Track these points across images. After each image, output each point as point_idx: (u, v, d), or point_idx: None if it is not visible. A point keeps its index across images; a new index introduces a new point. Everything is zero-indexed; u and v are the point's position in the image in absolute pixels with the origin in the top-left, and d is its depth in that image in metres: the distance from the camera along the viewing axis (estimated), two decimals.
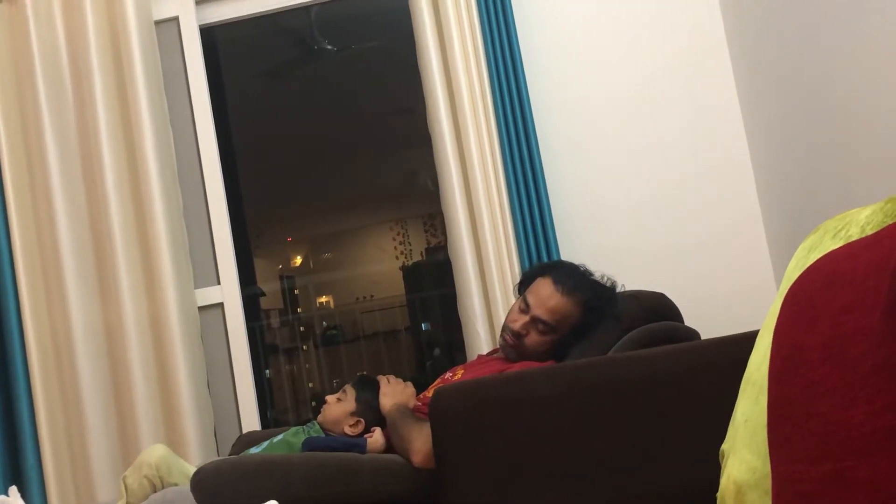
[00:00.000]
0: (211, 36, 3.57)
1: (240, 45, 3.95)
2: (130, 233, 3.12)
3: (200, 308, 3.23)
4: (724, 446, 1.47)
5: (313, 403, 4.76)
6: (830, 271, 1.10)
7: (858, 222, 1.38)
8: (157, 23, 3.34)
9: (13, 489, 1.49)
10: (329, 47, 4.20)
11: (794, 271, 1.45)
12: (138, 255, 3.13)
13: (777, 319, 1.20)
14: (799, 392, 1.03)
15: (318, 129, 4.67)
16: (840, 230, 1.41)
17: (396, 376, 2.46)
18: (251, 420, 3.21)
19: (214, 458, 2.95)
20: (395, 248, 5.15)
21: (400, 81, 4.10)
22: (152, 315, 3.09)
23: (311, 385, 4.95)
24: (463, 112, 3.03)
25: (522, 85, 3.03)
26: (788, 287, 1.42)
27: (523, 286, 2.48)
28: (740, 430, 1.38)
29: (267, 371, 3.99)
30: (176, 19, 3.41)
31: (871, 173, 2.24)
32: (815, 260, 1.39)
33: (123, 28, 3.17)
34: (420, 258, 4.92)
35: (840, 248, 1.20)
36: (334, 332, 5.13)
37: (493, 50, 3.05)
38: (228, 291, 3.30)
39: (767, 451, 1.21)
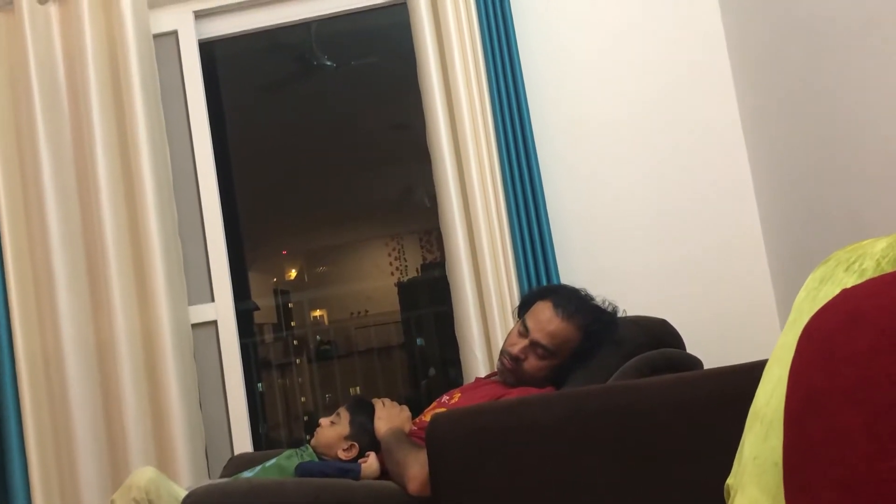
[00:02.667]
0: (210, 50, 3.53)
1: (239, 60, 3.91)
2: (124, 248, 3.07)
3: (194, 325, 3.18)
4: (729, 481, 1.42)
5: (306, 418, 4.71)
6: (851, 309, 1.04)
7: (873, 255, 1.33)
8: (156, 36, 3.30)
9: None
10: (328, 63, 4.16)
11: (804, 302, 1.41)
12: (132, 271, 3.07)
13: (794, 357, 1.14)
14: (820, 436, 0.97)
15: (316, 144, 4.64)
16: (853, 262, 1.36)
17: (391, 393, 2.42)
18: (243, 440, 3.15)
19: (205, 479, 2.90)
20: (391, 263, 5.11)
21: (397, 98, 4.07)
22: (145, 332, 3.04)
23: (303, 400, 4.89)
24: (463, 130, 2.99)
25: (523, 104, 2.99)
26: (799, 318, 1.37)
27: (523, 309, 2.43)
28: (748, 466, 1.32)
29: (259, 385, 3.93)
30: (175, 33, 3.37)
31: (875, 199, 2.20)
32: (827, 292, 1.35)
33: (122, 41, 3.13)
34: (416, 274, 4.88)
35: (860, 285, 1.14)
36: (328, 347, 5.08)
37: (495, 68, 3.01)
38: (222, 309, 3.24)
39: (779, 491, 1.16)
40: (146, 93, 3.13)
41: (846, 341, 1.00)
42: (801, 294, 1.44)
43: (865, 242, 1.39)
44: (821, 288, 1.39)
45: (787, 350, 1.34)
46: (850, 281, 1.31)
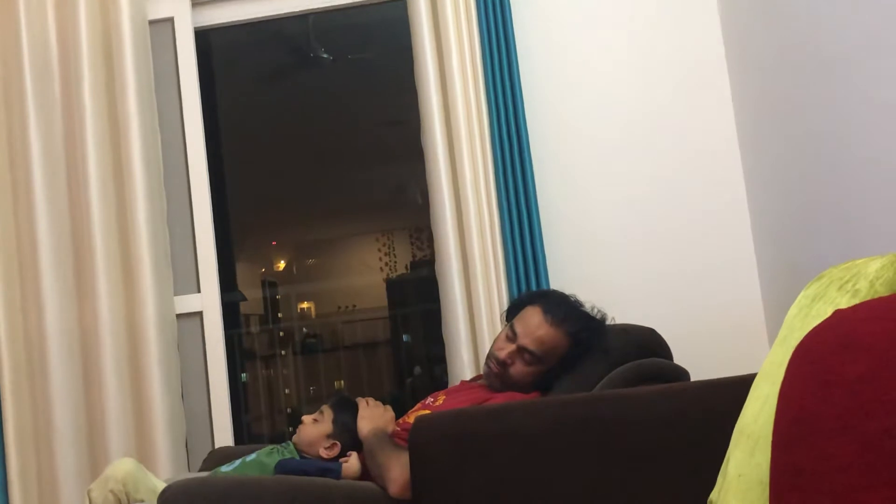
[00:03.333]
0: (206, 39, 3.49)
1: (234, 50, 3.88)
2: (111, 235, 3.03)
3: (179, 316, 3.15)
4: (712, 496, 1.41)
5: (288, 411, 4.69)
6: (845, 333, 1.03)
7: (867, 276, 1.31)
8: (152, 23, 3.26)
9: None
10: (325, 56, 4.13)
11: (796, 319, 1.39)
12: (118, 259, 3.03)
13: (784, 377, 1.12)
14: (809, 462, 0.95)
15: (309, 137, 4.62)
16: (847, 281, 1.34)
17: (375, 390, 2.40)
18: (225, 433, 3.13)
19: (185, 471, 2.88)
20: (380, 259, 5.09)
21: (393, 94, 4.04)
22: (129, 321, 3.00)
23: (287, 392, 4.87)
24: (458, 129, 2.96)
25: (520, 105, 2.97)
26: (790, 335, 1.35)
27: (511, 313, 2.40)
28: (733, 483, 1.31)
29: (243, 375, 3.91)
30: (171, 20, 3.33)
31: (869, 217, 2.19)
32: (819, 310, 1.33)
33: (116, 26, 3.09)
34: (405, 271, 4.86)
35: (854, 307, 1.12)
36: (314, 340, 5.06)
37: (492, 68, 2.99)
38: (208, 301, 3.21)
39: None
40: (139, 79, 3.09)
41: (839, 365, 0.99)
42: (793, 310, 1.42)
43: (860, 262, 1.37)
44: (813, 305, 1.37)
45: (776, 367, 1.32)
46: (843, 301, 1.29)
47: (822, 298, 1.36)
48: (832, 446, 0.92)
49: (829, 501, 0.89)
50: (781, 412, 1.08)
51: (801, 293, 1.44)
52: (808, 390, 1.01)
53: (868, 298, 1.21)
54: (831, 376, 0.98)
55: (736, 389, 1.46)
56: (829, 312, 1.27)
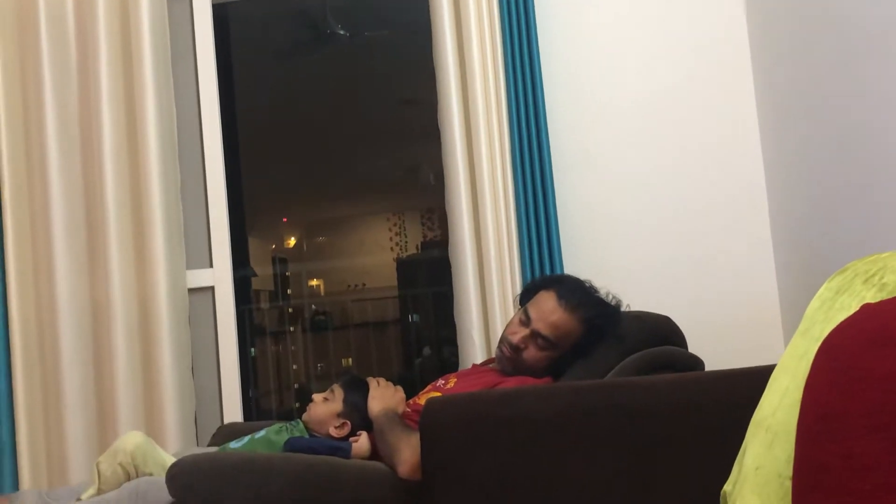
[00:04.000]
0: (223, 12, 3.46)
1: (252, 24, 3.85)
2: (125, 208, 3.02)
3: (190, 290, 3.13)
4: (726, 488, 1.39)
5: (296, 386, 4.69)
6: (877, 329, 1.00)
7: (895, 269, 1.28)
8: None
9: None
10: (341, 32, 4.10)
11: (818, 312, 1.36)
12: (131, 232, 3.02)
13: (810, 373, 1.10)
14: (835, 461, 0.93)
15: (324, 114, 4.60)
16: (873, 275, 1.31)
17: (384, 369, 2.38)
18: (234, 409, 3.12)
19: (194, 446, 2.87)
20: (391, 239, 5.08)
21: (409, 73, 4.01)
22: (140, 294, 2.99)
23: (295, 368, 4.88)
24: (475, 109, 2.92)
25: (539, 87, 2.92)
26: (811, 328, 1.33)
27: (525, 298, 2.38)
28: (750, 476, 1.28)
29: (252, 350, 3.91)
30: None
31: (889, 212, 2.15)
32: (843, 303, 1.30)
33: None
34: (416, 251, 4.85)
35: (885, 302, 1.10)
36: (323, 318, 5.06)
37: (512, 50, 2.94)
38: (220, 276, 3.20)
39: None
40: (156, 52, 3.07)
41: (868, 361, 0.96)
42: (815, 303, 1.39)
43: (886, 255, 1.34)
44: (836, 298, 1.34)
45: (796, 360, 1.30)
46: (870, 295, 1.26)
47: (847, 291, 1.33)
48: (860, 445, 0.90)
49: (855, 501, 0.87)
50: (807, 408, 1.05)
51: (824, 285, 1.41)
52: (835, 387, 0.98)
53: None
54: (860, 373, 0.96)
55: (752, 380, 1.44)
56: (854, 306, 1.24)
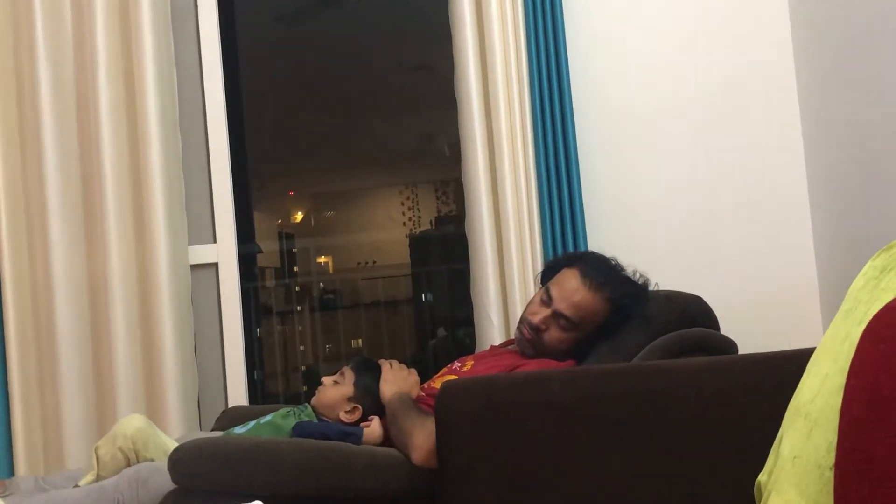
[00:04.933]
0: None
1: None
2: (123, 179, 3.01)
3: (193, 267, 3.13)
4: (761, 478, 1.38)
5: (303, 368, 4.70)
6: None
7: None
8: None
9: None
10: None
11: (862, 291, 1.34)
12: (130, 204, 3.01)
13: (855, 356, 1.08)
14: (883, 449, 0.91)
15: (333, 82, 4.58)
16: None
17: (396, 351, 2.37)
18: (239, 391, 3.12)
19: (197, 430, 2.87)
20: (404, 213, 5.06)
21: (422, 38, 3.98)
22: (140, 270, 2.99)
23: (302, 348, 4.89)
24: (494, 76, 2.89)
25: (562, 52, 2.88)
26: (855, 308, 1.31)
27: (547, 276, 2.37)
28: (787, 466, 1.27)
29: (258, 330, 3.92)
30: None
31: None
32: (890, 283, 1.28)
33: None
34: (429, 227, 4.84)
35: None
36: (331, 296, 5.07)
37: (535, 16, 2.90)
38: (224, 251, 3.19)
39: (821, 496, 1.11)
40: (156, 15, 3.04)
41: None
42: (859, 282, 1.37)
43: None
44: (882, 277, 1.32)
45: (838, 342, 1.28)
46: None
47: (894, 270, 1.31)
48: None
49: None
50: (852, 393, 1.04)
51: (868, 263, 1.39)
52: (884, 371, 0.97)
53: None
54: None
55: (790, 364, 1.43)
56: None
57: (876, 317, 1.08)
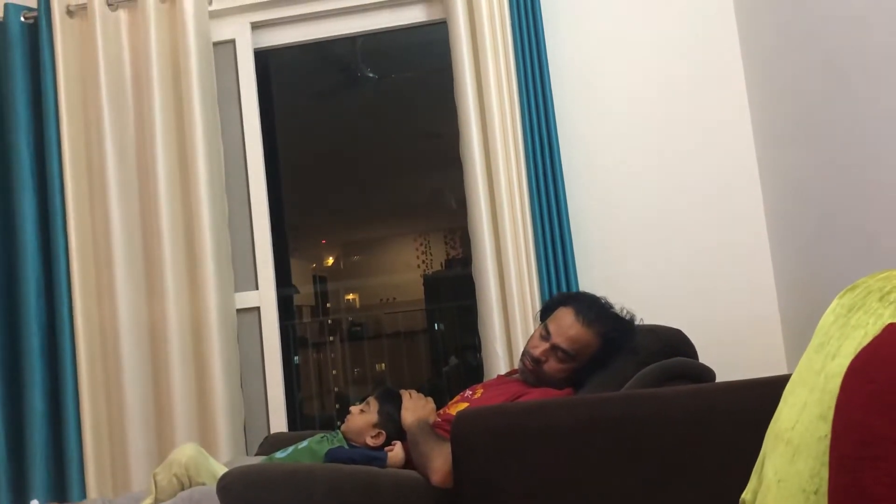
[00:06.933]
0: (264, 59, 3.41)
1: (290, 69, 3.81)
2: (178, 237, 2.94)
3: (238, 311, 3.05)
4: (745, 496, 1.28)
5: (336, 390, 4.63)
6: None
7: None
8: (216, 44, 3.18)
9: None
10: (371, 75, 4.07)
11: (833, 327, 1.24)
12: (184, 259, 2.94)
13: (841, 394, 0.98)
14: (879, 488, 0.81)
15: (356, 148, 4.59)
16: (888, 292, 1.19)
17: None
18: (279, 419, 3.03)
19: (243, 454, 2.79)
20: (418, 257, 5.05)
21: (431, 109, 3.96)
22: (194, 316, 2.91)
23: (334, 373, 4.85)
24: (494, 141, 2.83)
25: (552, 121, 2.83)
26: (826, 343, 1.21)
27: (545, 314, 2.29)
28: (772, 488, 1.17)
29: (296, 358, 3.86)
30: (233, 42, 3.25)
31: (888, 229, 2.02)
32: (859, 321, 1.18)
33: (184, 47, 3.00)
34: (440, 268, 4.81)
35: None
36: (359, 328, 5.04)
37: (527, 89, 2.85)
38: (265, 297, 3.12)
39: None
40: (204, 95, 3.00)
41: None
42: (828, 318, 1.27)
43: None
44: (851, 315, 1.22)
45: (813, 374, 1.18)
46: (888, 313, 1.14)
47: (862, 309, 1.21)
48: None
49: None
50: (843, 430, 0.93)
51: (835, 301, 1.29)
52: (875, 411, 0.87)
53: None
54: None
55: (765, 390, 1.36)
56: (871, 323, 1.13)
57: (859, 356, 0.98)
